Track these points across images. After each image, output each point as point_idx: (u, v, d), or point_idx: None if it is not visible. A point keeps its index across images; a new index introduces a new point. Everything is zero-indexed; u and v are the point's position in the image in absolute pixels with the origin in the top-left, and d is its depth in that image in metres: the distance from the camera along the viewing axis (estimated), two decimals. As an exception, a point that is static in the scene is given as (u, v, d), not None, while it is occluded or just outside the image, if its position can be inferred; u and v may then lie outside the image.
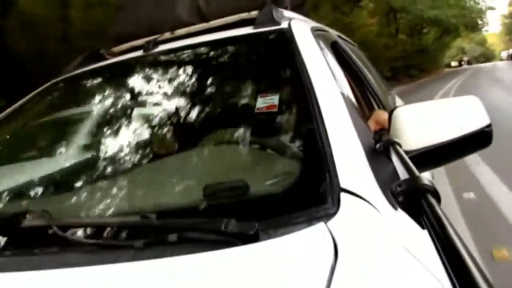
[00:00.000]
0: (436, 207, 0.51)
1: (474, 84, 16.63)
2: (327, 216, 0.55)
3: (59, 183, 0.87)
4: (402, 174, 0.64)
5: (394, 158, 0.71)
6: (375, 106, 1.55)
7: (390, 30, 18.50)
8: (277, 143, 0.78)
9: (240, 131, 0.81)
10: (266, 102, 0.86)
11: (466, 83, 18.32)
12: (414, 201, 0.56)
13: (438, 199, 0.55)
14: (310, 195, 0.61)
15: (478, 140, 0.83)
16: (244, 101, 0.94)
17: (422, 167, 0.71)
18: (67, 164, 0.95)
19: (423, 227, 0.51)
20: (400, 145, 0.75)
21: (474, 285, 0.37)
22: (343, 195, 0.59)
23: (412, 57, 21.87)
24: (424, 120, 0.81)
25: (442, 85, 17.74)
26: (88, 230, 0.62)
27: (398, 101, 2.30)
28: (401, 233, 0.60)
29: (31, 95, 1.29)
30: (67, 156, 1.02)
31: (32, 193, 0.87)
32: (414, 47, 22.30)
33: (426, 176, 0.59)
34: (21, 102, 1.26)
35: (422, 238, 0.57)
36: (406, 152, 0.72)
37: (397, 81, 18.69)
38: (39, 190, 0.87)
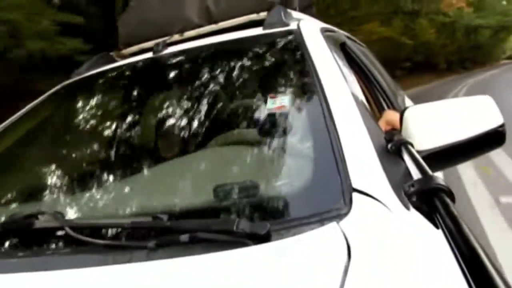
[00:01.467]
0: (450, 206, 0.51)
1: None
2: (340, 216, 0.55)
3: (71, 185, 0.87)
4: (415, 174, 0.63)
5: (406, 158, 0.70)
6: (385, 107, 1.54)
7: (448, 33, 22.21)
8: (288, 144, 0.77)
9: (250, 132, 0.81)
10: (276, 103, 0.86)
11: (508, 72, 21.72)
12: (428, 200, 0.55)
13: (452, 198, 0.54)
14: (322, 195, 0.61)
15: (492, 139, 0.82)
16: (254, 102, 0.94)
17: (435, 167, 0.71)
18: (79, 166, 0.96)
19: (437, 227, 0.51)
20: (412, 145, 0.74)
21: (490, 284, 0.36)
22: (355, 195, 0.58)
23: (467, 52, 26.62)
24: (436, 120, 0.81)
25: (486, 73, 21.47)
26: (101, 231, 0.62)
27: (408, 102, 2.28)
28: (414, 233, 0.59)
29: (43, 96, 1.31)
30: (79, 157, 1.03)
31: (44, 194, 0.88)
32: (470, 43, 25.99)
33: (439, 176, 0.58)
34: (33, 104, 1.27)
35: (435, 238, 0.56)
36: (418, 152, 0.72)
37: (452, 72, 24.24)
38: (52, 191, 0.88)
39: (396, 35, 15.59)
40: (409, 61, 19.40)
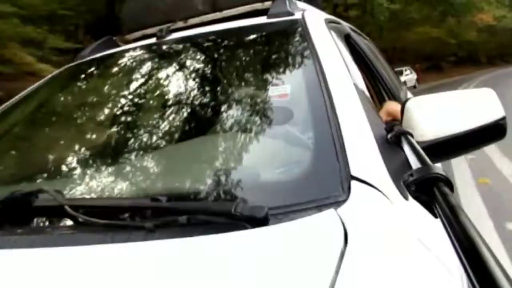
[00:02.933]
0: (449, 195, 0.51)
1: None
2: (337, 203, 0.55)
3: (72, 164, 0.88)
4: (414, 163, 0.64)
5: (406, 148, 0.70)
6: (387, 99, 1.54)
7: (488, 33, 25.75)
8: (288, 131, 0.78)
9: (252, 119, 0.82)
10: (278, 90, 0.86)
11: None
12: (427, 190, 0.56)
13: (451, 187, 0.54)
14: (321, 182, 0.61)
15: (493, 132, 0.82)
16: (256, 89, 0.94)
17: (435, 159, 0.71)
18: (80, 146, 0.96)
19: (436, 216, 0.51)
20: (412, 135, 0.75)
21: (489, 274, 0.36)
22: (353, 183, 0.59)
23: (508, 48, 30.29)
24: (437, 112, 0.81)
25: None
26: (100, 211, 0.63)
27: (410, 96, 2.27)
28: (412, 222, 0.60)
29: (46, 78, 1.31)
30: (81, 138, 1.03)
31: (45, 173, 0.88)
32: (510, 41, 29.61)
33: (438, 166, 0.59)
34: (36, 85, 1.27)
35: (433, 228, 0.57)
36: (418, 143, 0.72)
37: (492, 64, 28.66)
38: (52, 170, 0.89)
39: (443, 36, 20.48)
40: (454, 56, 24.74)
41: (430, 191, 0.55)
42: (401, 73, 16.70)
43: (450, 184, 0.55)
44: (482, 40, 24.88)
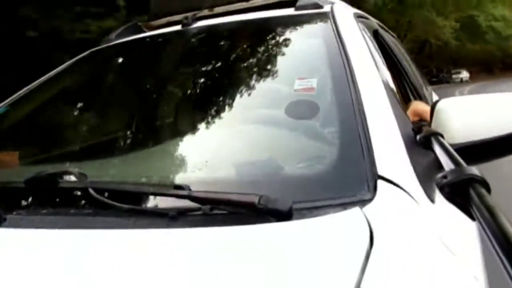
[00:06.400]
0: (486, 197, 0.49)
1: None
2: (363, 202, 0.54)
3: (96, 148, 0.88)
4: (447, 165, 0.62)
5: (437, 149, 0.68)
6: (412, 99, 1.51)
7: None
8: (315, 126, 0.76)
9: (278, 112, 0.81)
10: (304, 84, 0.85)
11: None
12: (462, 191, 0.54)
13: (487, 189, 0.52)
14: (347, 179, 0.60)
15: None
16: (282, 82, 0.93)
17: (468, 161, 0.69)
18: (105, 129, 0.97)
19: (473, 219, 0.49)
20: (443, 137, 0.72)
21: None
22: (380, 182, 0.57)
23: None
24: (469, 114, 0.78)
25: None
26: (123, 195, 0.63)
27: (435, 97, 2.23)
28: (438, 225, 0.58)
29: (71, 61, 1.32)
30: (107, 122, 1.04)
31: (70, 154, 0.89)
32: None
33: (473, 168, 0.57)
34: (61, 67, 1.29)
35: (462, 231, 0.55)
36: (451, 145, 0.70)
37: None
38: (77, 152, 0.89)
39: (492, 50, 30.23)
40: (501, 63, 33.97)
41: (466, 193, 0.53)
42: (460, 72, 30.96)
43: (486, 185, 0.53)
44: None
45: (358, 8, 1.59)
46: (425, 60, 26.34)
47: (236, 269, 0.45)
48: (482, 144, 0.75)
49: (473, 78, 31.17)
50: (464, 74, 31.22)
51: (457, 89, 20.51)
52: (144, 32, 1.47)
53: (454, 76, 31.17)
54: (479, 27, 28.50)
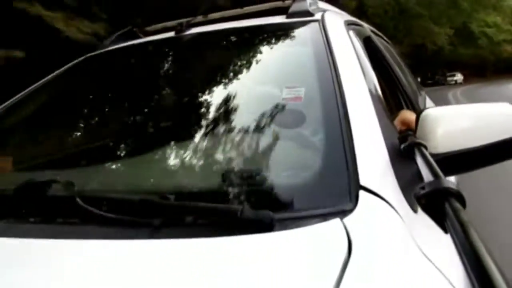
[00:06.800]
0: (460, 211, 0.50)
1: None
2: (344, 212, 0.55)
3: (85, 156, 0.89)
4: (427, 176, 0.62)
5: (419, 160, 0.69)
6: (404, 106, 1.52)
7: None
8: (299, 135, 0.77)
9: (263, 120, 0.81)
10: (292, 93, 0.85)
11: None
12: (438, 204, 0.55)
13: (463, 203, 0.53)
14: (329, 190, 0.61)
15: (510, 148, 0.79)
16: (269, 90, 0.93)
17: (449, 172, 0.70)
18: (95, 137, 0.98)
19: (446, 231, 0.50)
20: (426, 147, 0.73)
21: None
22: (361, 193, 0.58)
23: None
24: (453, 123, 0.79)
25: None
26: (109, 204, 0.63)
27: (429, 102, 2.24)
28: (419, 236, 0.59)
29: (65, 67, 1.33)
30: (95, 130, 1.05)
31: (59, 163, 0.90)
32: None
33: (451, 180, 0.57)
34: (54, 73, 1.29)
35: (442, 243, 0.56)
36: (433, 155, 0.70)
37: None
38: (66, 161, 0.90)
39: (485, 54, 33.41)
40: (493, 67, 36.61)
41: (441, 205, 0.54)
42: (454, 75, 33.98)
43: (462, 199, 0.54)
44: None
45: (365, 14, 1.61)
46: (422, 63, 29.43)
47: (217, 281, 0.46)
48: (464, 154, 0.76)
49: (466, 80, 34.08)
50: (458, 77, 34.26)
51: (451, 90, 22.53)
52: (139, 37, 1.48)
53: (449, 78, 33.98)
54: (472, 33, 32.10)
